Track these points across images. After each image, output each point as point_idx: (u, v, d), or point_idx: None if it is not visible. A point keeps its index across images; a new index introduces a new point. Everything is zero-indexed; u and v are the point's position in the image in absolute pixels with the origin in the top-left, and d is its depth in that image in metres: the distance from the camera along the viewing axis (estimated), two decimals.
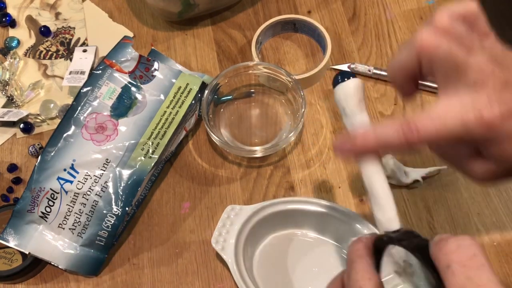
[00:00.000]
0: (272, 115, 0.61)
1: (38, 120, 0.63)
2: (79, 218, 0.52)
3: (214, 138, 0.56)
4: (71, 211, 0.52)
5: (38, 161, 0.53)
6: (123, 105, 0.56)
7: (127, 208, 0.52)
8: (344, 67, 0.63)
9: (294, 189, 0.57)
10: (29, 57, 0.68)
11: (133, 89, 0.57)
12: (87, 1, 0.71)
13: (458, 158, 0.36)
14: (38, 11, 0.71)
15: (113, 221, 0.52)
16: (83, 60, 0.65)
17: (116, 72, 0.57)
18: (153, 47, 0.64)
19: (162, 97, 0.57)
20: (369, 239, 0.35)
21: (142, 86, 0.57)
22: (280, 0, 0.69)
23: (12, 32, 0.70)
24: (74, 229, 0.52)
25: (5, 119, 0.61)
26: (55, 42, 0.68)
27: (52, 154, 0.53)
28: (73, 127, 0.54)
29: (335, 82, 0.38)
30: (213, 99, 0.59)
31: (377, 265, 0.34)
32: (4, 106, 0.64)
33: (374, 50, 0.64)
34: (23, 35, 0.69)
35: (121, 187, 0.52)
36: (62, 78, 0.65)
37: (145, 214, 0.57)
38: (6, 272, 0.52)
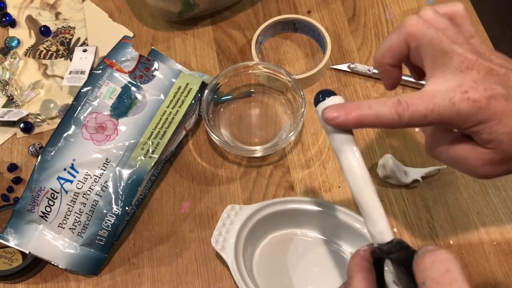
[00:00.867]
0: (272, 115, 0.61)
1: (38, 120, 0.63)
2: (79, 218, 0.52)
3: (214, 138, 0.56)
4: (71, 211, 0.52)
5: (38, 160, 0.53)
6: (123, 104, 0.56)
7: (127, 208, 0.52)
8: (344, 66, 0.63)
9: (294, 189, 0.57)
10: (29, 57, 0.68)
11: (133, 88, 0.57)
12: (87, 1, 0.71)
13: (453, 148, 0.36)
14: (38, 11, 0.71)
15: (113, 221, 0.52)
16: (83, 60, 0.65)
17: (116, 72, 0.57)
18: (153, 47, 0.64)
19: (162, 96, 0.57)
20: (367, 250, 0.36)
21: (142, 85, 0.57)
22: (280, 0, 0.69)
23: (12, 32, 0.70)
24: (74, 228, 0.52)
25: (5, 119, 0.61)
26: (55, 42, 0.69)
27: (52, 153, 0.53)
28: (73, 127, 0.54)
29: (316, 101, 0.38)
30: (213, 99, 0.59)
31: (381, 274, 0.34)
32: (4, 106, 0.64)
33: (374, 50, 0.65)
34: (23, 35, 0.69)
35: (121, 187, 0.53)
36: (62, 78, 0.65)
37: (145, 214, 0.57)
38: (6, 271, 0.52)
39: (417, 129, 0.59)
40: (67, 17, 0.70)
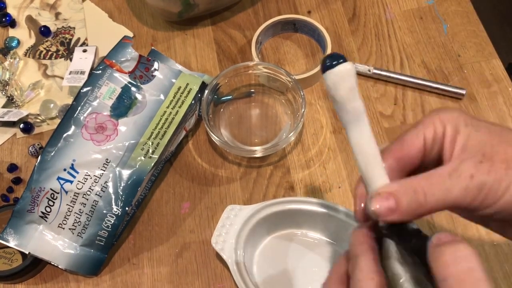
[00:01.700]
0: (272, 115, 0.61)
1: (38, 120, 0.63)
2: (79, 218, 0.52)
3: (214, 138, 0.56)
4: (71, 211, 0.52)
5: (38, 161, 0.53)
6: (123, 105, 0.56)
7: (127, 208, 0.52)
8: None
9: (294, 189, 0.57)
10: (29, 57, 0.68)
11: (133, 89, 0.57)
12: (87, 1, 0.71)
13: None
14: (38, 11, 0.71)
15: (113, 221, 0.52)
16: (83, 60, 0.65)
17: (116, 72, 0.57)
18: (153, 47, 0.64)
19: (162, 97, 0.57)
20: (370, 226, 0.35)
21: (142, 86, 0.57)
22: (280, 0, 0.69)
23: (12, 32, 0.70)
24: (74, 229, 0.52)
25: (5, 119, 0.61)
26: (55, 42, 0.68)
27: (52, 154, 0.53)
28: (73, 127, 0.54)
29: (324, 67, 0.33)
30: (213, 99, 0.59)
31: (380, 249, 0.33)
32: (4, 106, 0.64)
33: (374, 50, 0.65)
34: (23, 35, 0.69)
35: (121, 187, 0.52)
36: (62, 78, 0.65)
37: (145, 214, 0.57)
38: (6, 272, 0.52)
39: None
40: (67, 17, 0.70)
